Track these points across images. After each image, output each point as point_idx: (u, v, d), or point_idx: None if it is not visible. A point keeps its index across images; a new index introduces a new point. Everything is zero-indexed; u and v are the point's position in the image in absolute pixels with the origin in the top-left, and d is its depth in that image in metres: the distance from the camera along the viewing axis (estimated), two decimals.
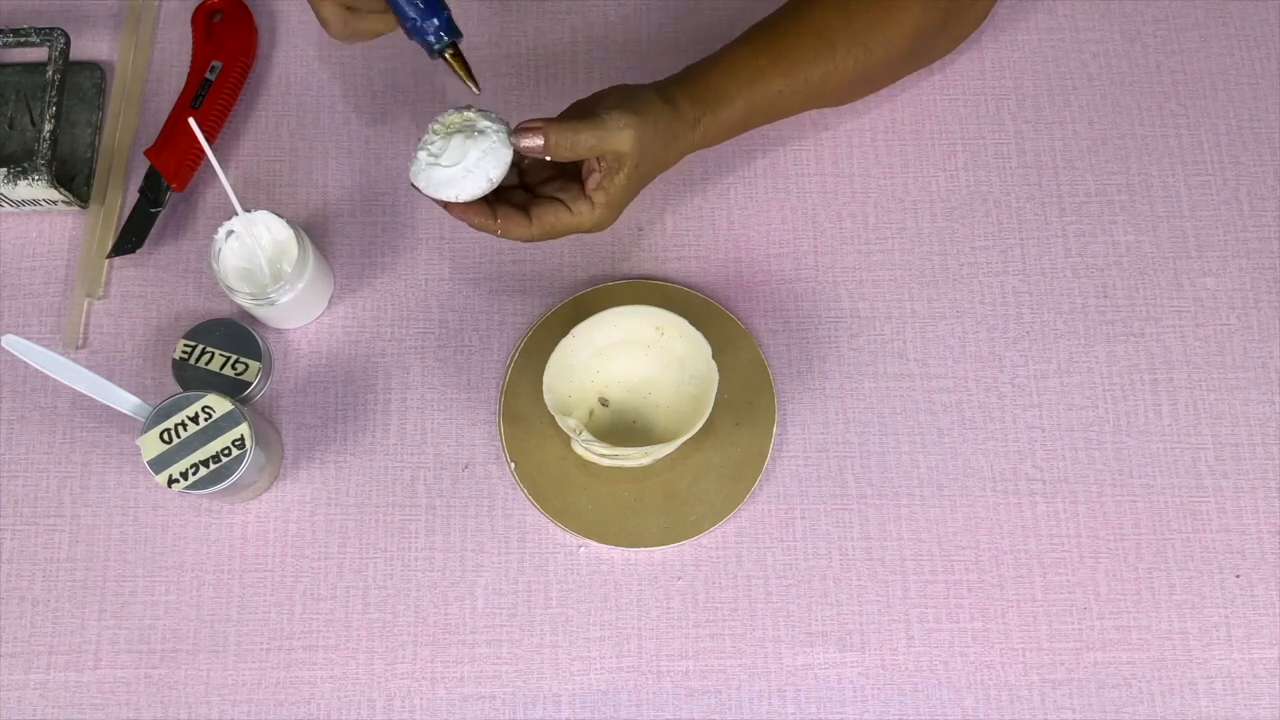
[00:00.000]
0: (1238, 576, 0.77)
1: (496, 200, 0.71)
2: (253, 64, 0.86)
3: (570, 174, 0.73)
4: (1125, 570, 0.77)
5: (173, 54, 0.87)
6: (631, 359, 0.76)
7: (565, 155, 0.69)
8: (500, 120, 0.69)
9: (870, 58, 0.75)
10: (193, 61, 0.84)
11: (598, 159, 0.70)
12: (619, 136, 0.69)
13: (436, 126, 0.69)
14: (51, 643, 0.76)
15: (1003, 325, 0.82)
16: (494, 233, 0.71)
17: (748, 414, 0.78)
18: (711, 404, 0.73)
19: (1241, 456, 0.79)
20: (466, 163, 0.68)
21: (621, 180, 0.70)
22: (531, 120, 0.69)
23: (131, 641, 0.76)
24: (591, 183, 0.71)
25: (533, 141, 0.68)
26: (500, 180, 0.69)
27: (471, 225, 0.71)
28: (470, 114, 0.69)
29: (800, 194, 0.84)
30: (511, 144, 0.68)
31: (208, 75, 0.83)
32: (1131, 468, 0.79)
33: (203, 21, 0.85)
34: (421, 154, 0.69)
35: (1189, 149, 0.85)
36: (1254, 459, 0.79)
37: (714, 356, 0.74)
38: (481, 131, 0.68)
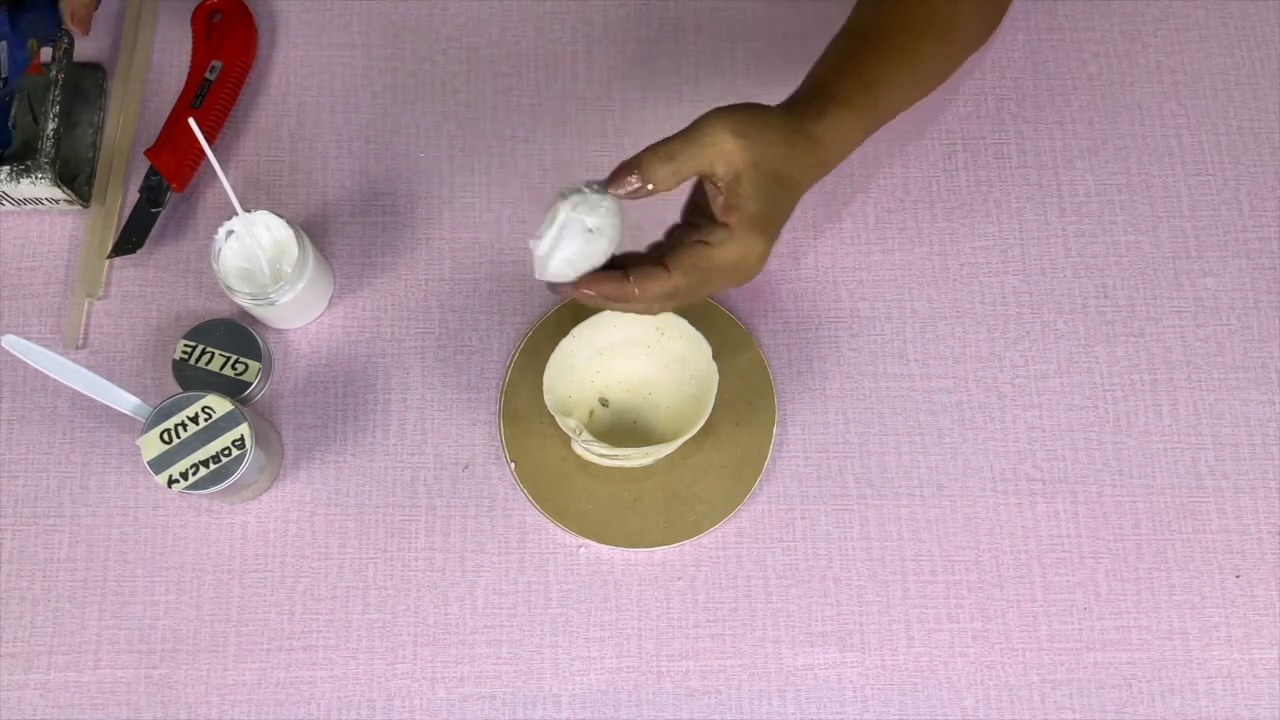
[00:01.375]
0: (1238, 576, 0.77)
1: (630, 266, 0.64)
2: (253, 64, 0.86)
3: (706, 215, 0.64)
4: (1125, 570, 0.77)
5: (173, 54, 0.87)
6: (631, 359, 0.76)
7: (669, 179, 0.61)
8: (600, 184, 0.63)
9: (958, 28, 0.70)
10: (193, 61, 0.84)
11: (713, 180, 0.62)
12: (715, 136, 0.61)
13: (544, 223, 0.64)
14: (51, 643, 0.76)
15: (1003, 325, 0.82)
16: (633, 298, 0.63)
17: (747, 414, 0.78)
18: (712, 404, 0.73)
19: (1241, 456, 0.79)
20: (576, 238, 0.62)
21: (748, 189, 0.61)
22: (623, 161, 0.62)
23: (131, 641, 0.76)
24: (718, 205, 0.62)
25: (630, 181, 0.61)
26: (618, 240, 0.64)
27: (609, 301, 0.64)
28: (569, 198, 0.63)
29: None
30: (613, 194, 0.62)
31: (208, 75, 0.83)
32: (1131, 468, 0.79)
33: (203, 21, 0.85)
34: (537, 250, 0.64)
35: (1189, 149, 0.85)
36: (1254, 459, 0.79)
37: (714, 357, 0.74)
38: (583, 199, 0.62)
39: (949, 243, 0.83)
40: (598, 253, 0.64)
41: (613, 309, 0.66)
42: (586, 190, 0.63)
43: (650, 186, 0.62)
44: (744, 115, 0.62)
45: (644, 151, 0.62)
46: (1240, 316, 0.82)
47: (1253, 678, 0.75)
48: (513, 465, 0.78)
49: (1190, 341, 0.81)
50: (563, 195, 0.63)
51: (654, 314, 0.67)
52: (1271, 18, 0.88)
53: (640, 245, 0.68)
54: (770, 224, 0.63)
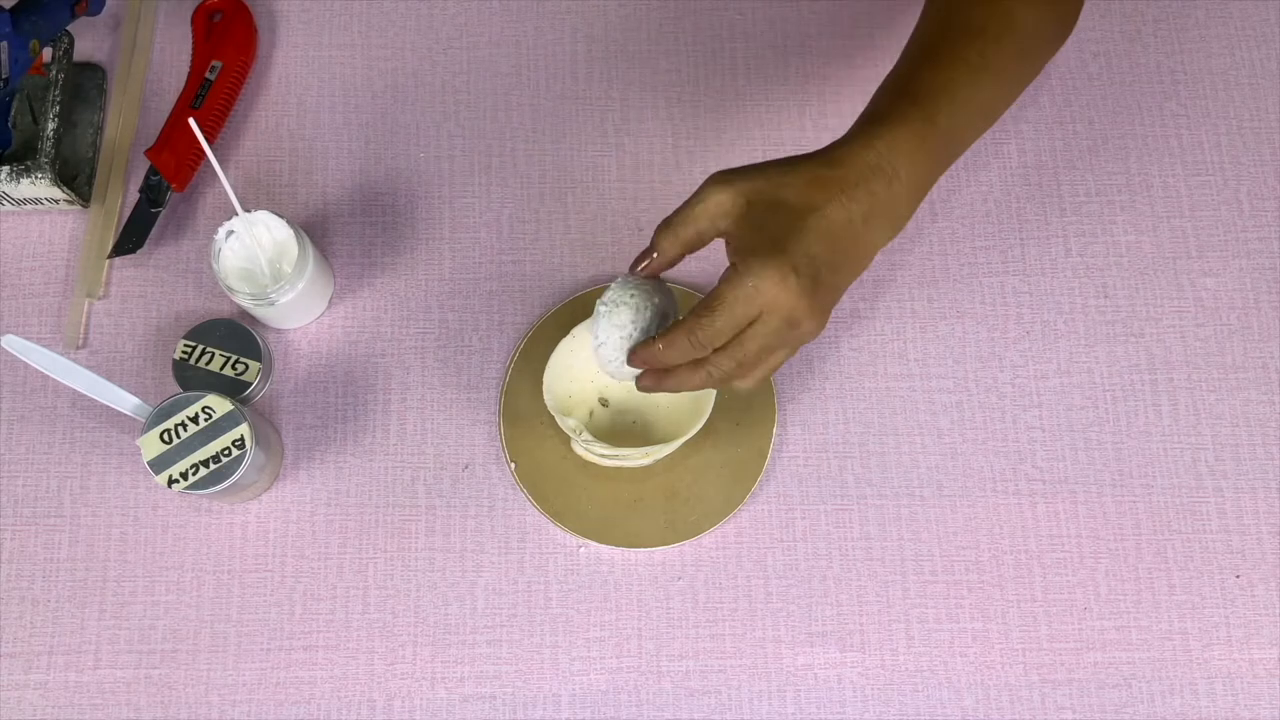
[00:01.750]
0: (1238, 577, 0.77)
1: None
2: (253, 64, 0.86)
3: None
4: (1125, 570, 0.77)
5: (173, 54, 0.87)
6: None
7: (673, 246, 0.62)
8: (625, 276, 0.67)
9: (1020, 27, 0.67)
10: (192, 61, 0.84)
11: (723, 237, 0.62)
12: (706, 194, 0.61)
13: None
14: (51, 643, 0.76)
15: (1003, 325, 0.82)
16: (660, 360, 0.63)
17: (747, 414, 0.78)
18: (711, 404, 0.73)
19: (1241, 456, 0.79)
20: (600, 320, 0.65)
21: (745, 226, 0.60)
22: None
23: (131, 641, 0.76)
24: (729, 254, 0.62)
25: (646, 260, 0.64)
26: (650, 317, 0.65)
27: (649, 365, 0.64)
28: (603, 298, 0.66)
29: None
30: (636, 277, 0.65)
31: (208, 75, 0.83)
32: (1131, 468, 0.79)
33: (202, 21, 0.85)
34: (597, 353, 0.67)
35: (1189, 149, 0.85)
36: (1254, 459, 0.79)
37: None
38: (610, 290, 0.66)
39: (949, 243, 0.83)
40: (624, 322, 0.65)
41: (676, 387, 0.64)
42: (612, 284, 0.66)
43: (655, 255, 0.63)
44: (736, 169, 0.62)
45: (655, 233, 0.63)
46: (1240, 316, 0.82)
47: (1253, 678, 0.75)
48: (513, 466, 0.78)
49: (1190, 341, 0.81)
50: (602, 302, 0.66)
51: (711, 386, 0.64)
52: (1271, 18, 0.88)
53: None
54: (778, 249, 0.58)
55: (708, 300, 0.60)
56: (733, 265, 0.60)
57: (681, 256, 0.64)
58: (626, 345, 0.66)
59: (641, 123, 0.86)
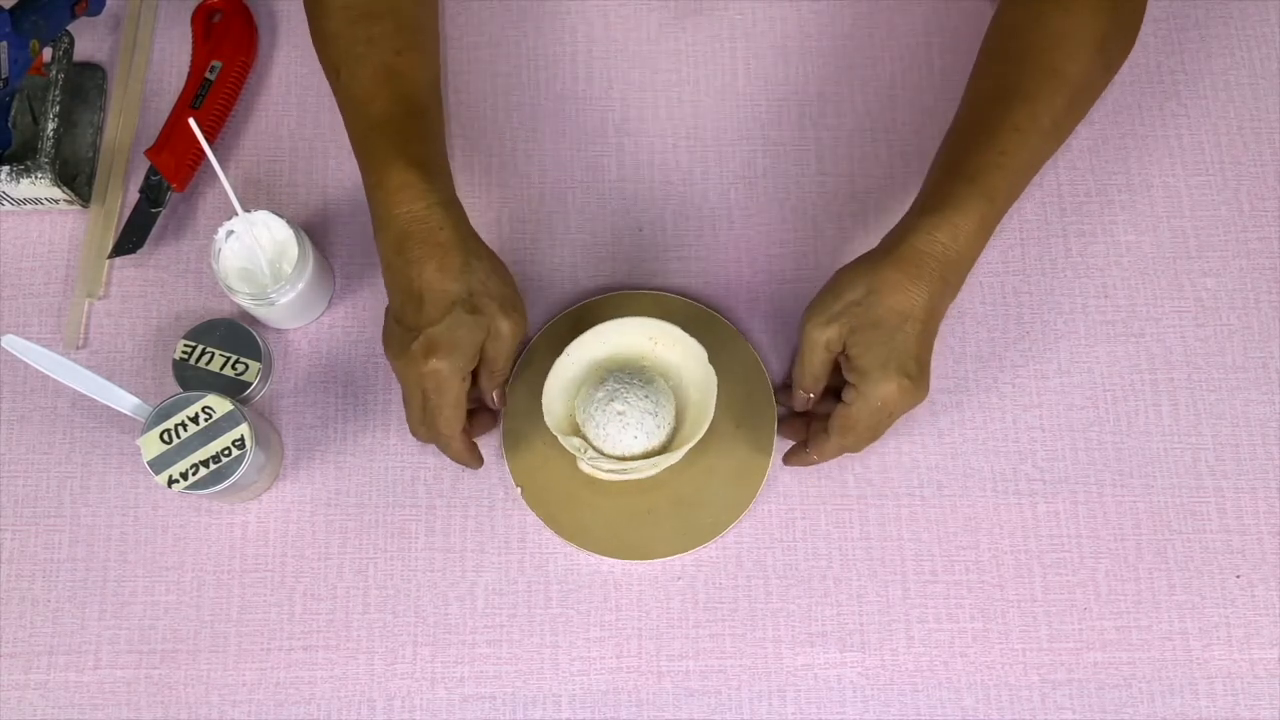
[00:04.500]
0: (1238, 577, 0.77)
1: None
2: (253, 64, 0.86)
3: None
4: (1125, 570, 0.77)
5: (173, 54, 0.87)
6: (626, 371, 0.76)
7: (811, 384, 0.72)
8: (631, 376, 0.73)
9: (1069, 81, 0.71)
10: (192, 61, 0.84)
11: (837, 356, 0.70)
12: (808, 336, 0.69)
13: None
14: (51, 643, 0.76)
15: (1003, 325, 0.82)
16: (813, 464, 0.77)
17: (748, 415, 0.78)
18: (713, 408, 0.72)
19: (1241, 456, 0.79)
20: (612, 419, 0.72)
21: (854, 350, 0.68)
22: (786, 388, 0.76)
23: (131, 641, 0.76)
24: (845, 371, 0.70)
25: (804, 397, 0.74)
26: (655, 416, 0.73)
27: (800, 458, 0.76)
28: (623, 399, 0.72)
29: (800, 194, 0.84)
30: (788, 406, 0.76)
31: (207, 75, 0.83)
32: (1131, 468, 0.79)
33: (202, 21, 0.85)
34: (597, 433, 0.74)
35: (1189, 149, 0.85)
36: (1254, 459, 0.79)
37: (710, 360, 0.74)
38: (612, 390, 0.73)
39: None
40: (623, 410, 0.72)
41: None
42: (610, 379, 0.74)
43: (811, 396, 0.73)
44: (821, 300, 0.69)
45: (794, 381, 0.73)
46: (1240, 316, 0.82)
47: (1253, 678, 0.75)
48: (519, 490, 0.77)
49: (1190, 341, 0.81)
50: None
51: (854, 452, 0.74)
52: (1271, 18, 0.88)
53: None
54: (891, 365, 0.67)
55: (848, 420, 0.70)
56: (855, 386, 0.68)
57: (824, 384, 0.73)
58: (625, 429, 0.72)
59: (641, 123, 0.86)
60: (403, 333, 0.68)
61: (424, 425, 0.71)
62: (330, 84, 0.75)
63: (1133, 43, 0.76)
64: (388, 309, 0.70)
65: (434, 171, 0.69)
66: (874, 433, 0.71)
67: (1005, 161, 0.68)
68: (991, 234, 0.69)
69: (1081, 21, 0.71)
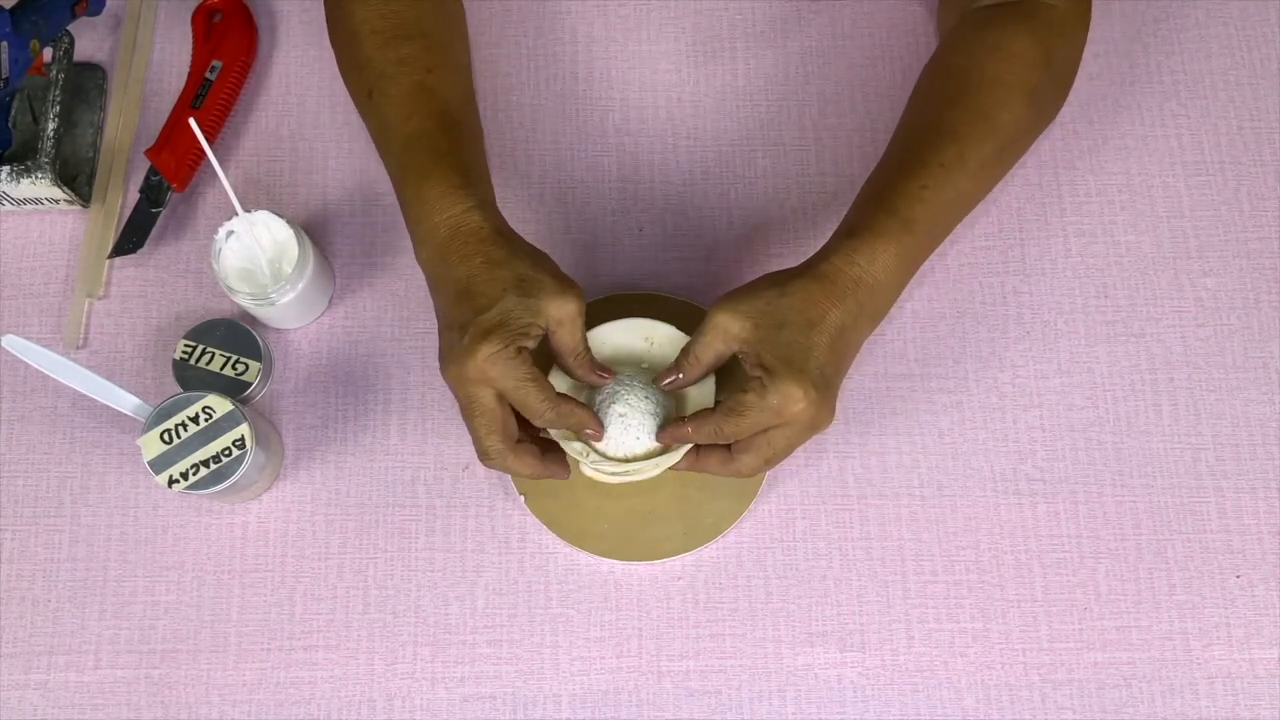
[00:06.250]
0: (1238, 577, 0.77)
1: None
2: (253, 64, 0.86)
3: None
4: (1125, 570, 0.77)
5: (173, 54, 0.87)
6: (627, 372, 0.75)
7: (694, 369, 0.69)
8: (638, 382, 0.71)
9: (999, 128, 0.72)
10: (192, 61, 0.84)
11: (738, 356, 0.68)
12: (713, 322, 0.67)
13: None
14: (51, 643, 0.76)
15: (1003, 325, 0.82)
16: (685, 439, 0.69)
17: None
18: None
19: (1241, 456, 0.79)
20: (614, 424, 0.70)
21: (759, 346, 0.66)
22: (666, 369, 0.70)
23: (131, 641, 0.76)
24: (748, 369, 0.67)
25: (672, 378, 0.69)
26: (657, 417, 0.70)
27: (690, 461, 0.70)
28: (624, 401, 0.70)
29: (800, 194, 0.84)
30: (664, 387, 0.70)
31: (208, 75, 0.83)
32: (1131, 468, 0.79)
33: (202, 21, 0.85)
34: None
35: (1189, 149, 0.85)
36: (1254, 459, 0.79)
37: None
38: (615, 389, 0.71)
39: (949, 243, 0.83)
40: (626, 411, 0.70)
41: (703, 470, 0.71)
42: (614, 382, 0.71)
43: (680, 375, 0.69)
44: (736, 293, 0.68)
45: (678, 356, 0.70)
46: (1240, 316, 0.82)
47: (1253, 678, 0.75)
48: (523, 498, 0.77)
49: (1190, 341, 0.81)
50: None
51: (738, 476, 0.70)
52: (1271, 18, 0.88)
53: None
54: (796, 365, 0.65)
55: (736, 405, 0.66)
56: (756, 379, 0.66)
57: (705, 375, 0.70)
58: (627, 430, 0.69)
59: (641, 123, 0.86)
60: (456, 337, 0.65)
61: (489, 439, 0.67)
62: (360, 108, 0.74)
63: (1064, 98, 0.77)
64: (439, 331, 0.67)
65: (473, 179, 0.68)
66: (753, 431, 0.66)
67: (928, 195, 0.69)
68: (915, 269, 0.70)
69: (1016, 70, 0.72)
